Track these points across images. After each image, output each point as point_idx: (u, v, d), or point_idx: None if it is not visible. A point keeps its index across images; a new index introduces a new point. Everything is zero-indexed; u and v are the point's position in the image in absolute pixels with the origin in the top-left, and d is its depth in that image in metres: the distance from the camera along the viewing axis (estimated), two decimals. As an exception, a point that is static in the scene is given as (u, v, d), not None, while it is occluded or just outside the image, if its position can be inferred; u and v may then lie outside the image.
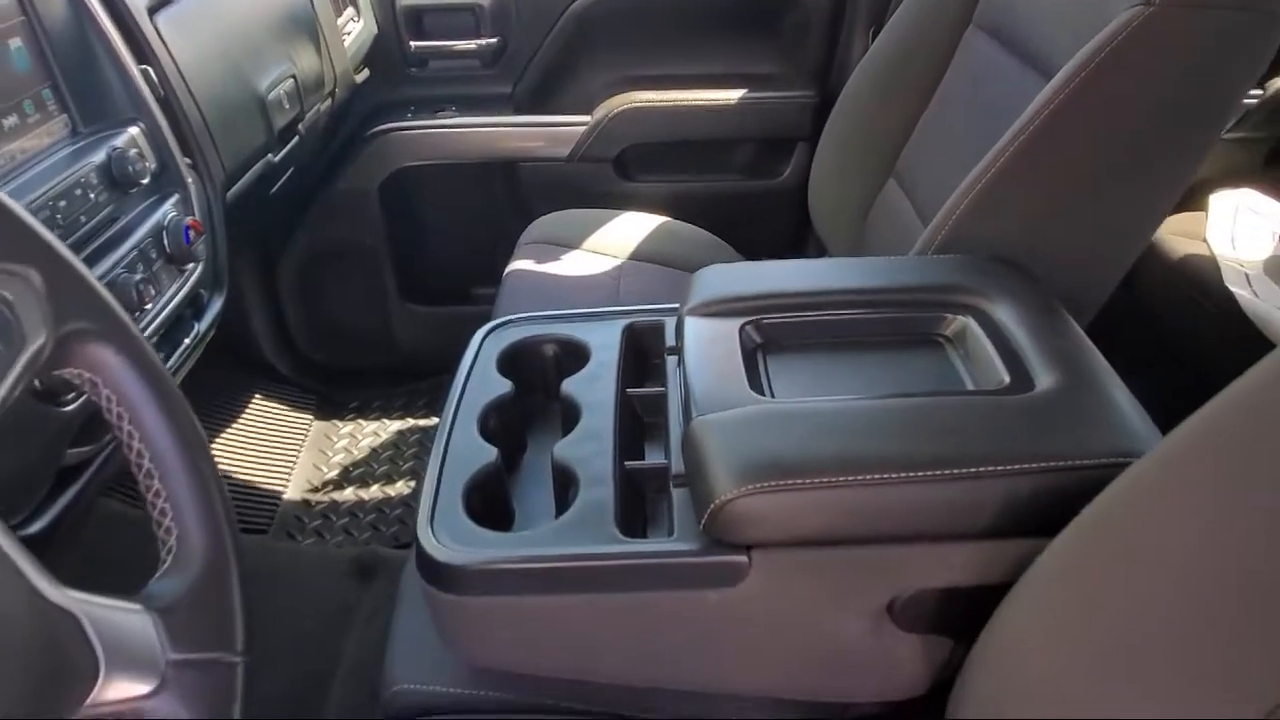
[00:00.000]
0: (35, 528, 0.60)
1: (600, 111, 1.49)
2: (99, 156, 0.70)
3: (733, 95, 1.47)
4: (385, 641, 0.72)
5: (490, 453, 0.67)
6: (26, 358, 0.35)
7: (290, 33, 1.12)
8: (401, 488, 1.40)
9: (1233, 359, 0.45)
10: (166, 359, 0.76)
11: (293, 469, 1.43)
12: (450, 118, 1.49)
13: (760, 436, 0.58)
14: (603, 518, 0.61)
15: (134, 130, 0.75)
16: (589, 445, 0.67)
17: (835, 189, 1.19)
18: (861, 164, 1.14)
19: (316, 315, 1.61)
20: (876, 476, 0.55)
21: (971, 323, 0.69)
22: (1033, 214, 0.78)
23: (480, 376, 0.76)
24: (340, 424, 1.55)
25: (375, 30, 1.44)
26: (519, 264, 1.21)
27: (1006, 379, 0.63)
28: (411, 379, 1.61)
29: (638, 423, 0.74)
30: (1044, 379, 0.62)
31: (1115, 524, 0.48)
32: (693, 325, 0.71)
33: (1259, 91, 1.29)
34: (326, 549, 1.27)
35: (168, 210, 0.77)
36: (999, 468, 0.55)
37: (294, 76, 1.11)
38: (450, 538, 0.60)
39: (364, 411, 1.57)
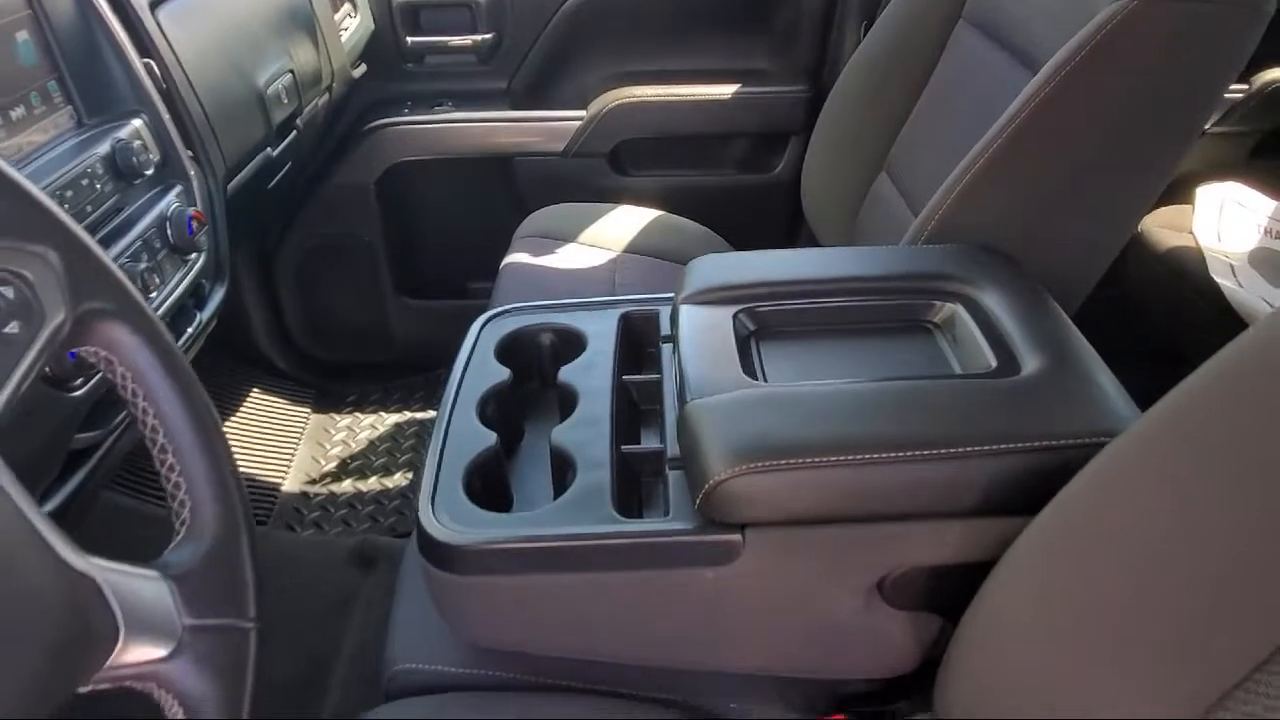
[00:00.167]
0: (44, 511, 0.61)
1: (595, 106, 1.50)
2: (104, 148, 0.72)
3: (726, 90, 1.48)
4: (386, 626, 0.73)
5: (489, 437, 0.69)
6: (46, 335, 0.36)
7: (288, 28, 1.13)
8: (399, 479, 1.42)
9: (1217, 348, 0.46)
10: (170, 348, 0.77)
11: (291, 462, 1.44)
12: (446, 113, 1.50)
13: (753, 419, 0.60)
14: (600, 499, 0.62)
15: (137, 122, 0.77)
16: (586, 430, 0.69)
17: (827, 182, 1.21)
18: (853, 157, 1.16)
19: (314, 309, 1.62)
20: (866, 456, 0.57)
21: (960, 309, 0.71)
22: (1019, 204, 0.80)
23: (479, 364, 0.77)
24: (338, 417, 1.56)
25: (372, 26, 1.45)
26: (515, 257, 1.23)
27: (993, 363, 0.65)
28: (408, 372, 1.62)
29: (634, 409, 0.75)
30: (1030, 363, 0.64)
31: (1093, 500, 0.49)
32: (687, 313, 0.73)
33: (1244, 86, 1.31)
34: (326, 539, 1.28)
35: (171, 201, 0.78)
36: (985, 448, 0.57)
37: (292, 71, 1.12)
38: (451, 518, 0.62)
39: (361, 405, 1.58)
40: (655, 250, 1.24)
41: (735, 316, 0.72)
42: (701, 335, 0.70)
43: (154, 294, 0.72)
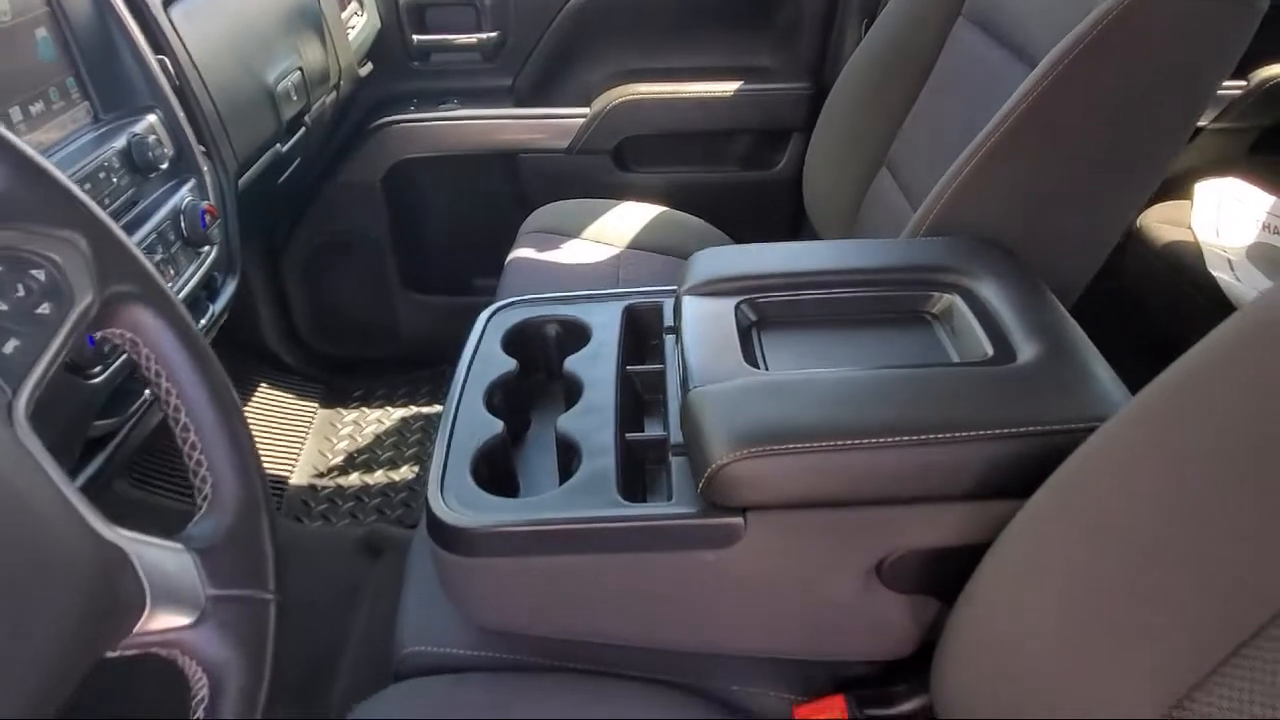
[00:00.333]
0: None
1: (599, 104, 1.51)
2: (120, 142, 0.73)
3: (728, 87, 1.50)
4: (394, 613, 0.75)
5: (496, 425, 0.70)
6: (75, 316, 0.38)
7: (297, 26, 1.15)
8: (406, 472, 1.43)
9: (1214, 342, 0.47)
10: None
11: (298, 456, 1.46)
12: (452, 110, 1.52)
13: (754, 405, 0.61)
14: (605, 484, 0.64)
15: (152, 118, 0.78)
16: (591, 418, 0.70)
17: (829, 178, 1.22)
18: (854, 154, 1.17)
19: (321, 305, 1.64)
20: (864, 441, 0.58)
21: (957, 300, 0.72)
22: (1017, 197, 0.81)
23: (485, 355, 0.79)
24: (345, 412, 1.57)
25: (379, 24, 1.47)
26: (520, 252, 1.24)
27: (990, 351, 0.66)
28: (414, 367, 1.64)
29: (637, 399, 0.77)
30: (1025, 351, 0.65)
31: (1082, 482, 0.50)
32: (690, 304, 0.74)
33: (1243, 82, 1.32)
34: (334, 530, 1.30)
35: (184, 195, 0.80)
36: (982, 432, 0.58)
37: (301, 69, 1.13)
38: (459, 503, 0.63)
39: (368, 399, 1.60)
40: (659, 246, 1.25)
41: (737, 307, 0.73)
42: (704, 325, 0.71)
43: (169, 285, 0.73)
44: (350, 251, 1.60)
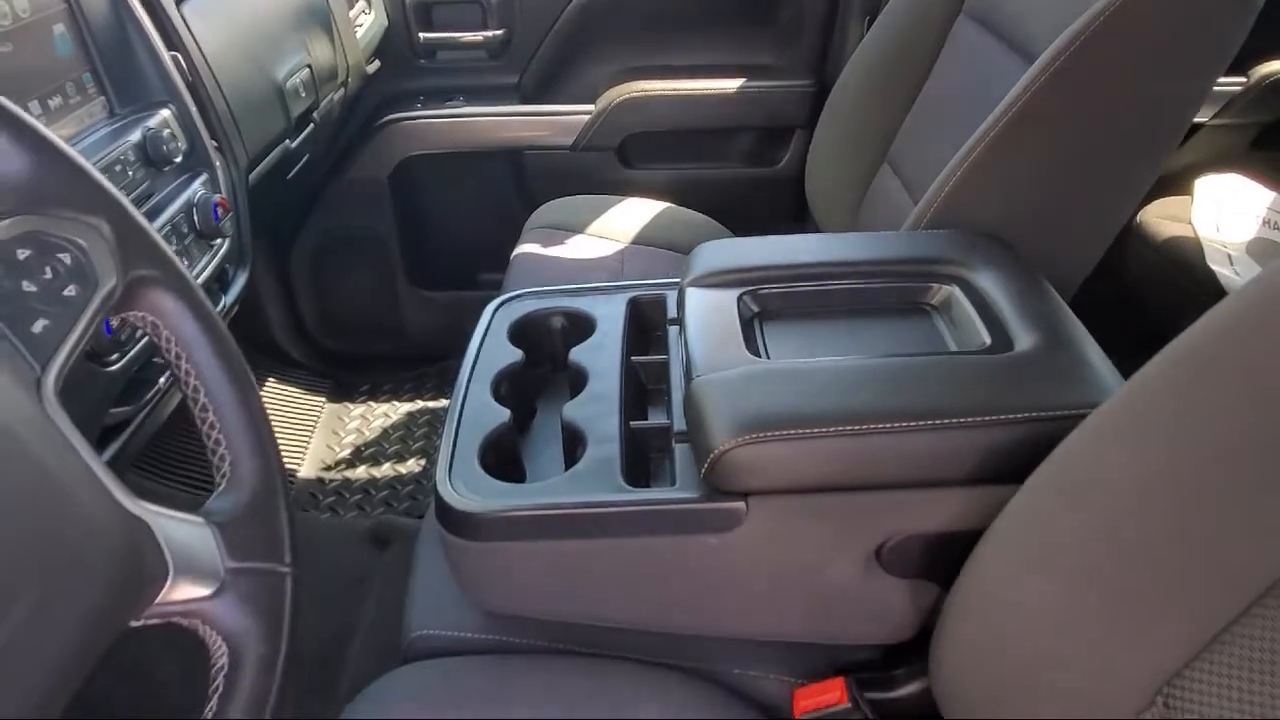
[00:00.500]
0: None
1: (603, 101, 1.53)
2: (135, 136, 0.75)
3: (732, 85, 1.51)
4: (403, 599, 0.76)
5: (503, 414, 0.72)
6: (100, 297, 0.39)
7: (306, 24, 1.16)
8: (412, 466, 1.45)
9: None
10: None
11: (306, 450, 1.48)
12: (458, 107, 1.53)
13: (756, 392, 0.62)
14: (610, 470, 0.65)
15: (166, 112, 0.80)
16: (596, 406, 0.71)
17: (831, 175, 1.23)
18: (856, 150, 1.18)
19: (328, 301, 1.66)
20: (864, 427, 0.59)
21: (956, 291, 0.74)
22: (1015, 191, 0.82)
23: (492, 346, 0.80)
24: (352, 406, 1.59)
25: (386, 23, 1.48)
26: (525, 248, 1.25)
27: (988, 341, 0.67)
28: (420, 362, 1.65)
29: (641, 389, 0.78)
30: (1023, 340, 0.66)
31: (1075, 465, 0.51)
32: (693, 296, 0.75)
33: (1243, 79, 1.33)
34: (342, 521, 1.32)
35: (197, 188, 0.81)
36: (978, 419, 0.59)
37: (309, 66, 1.15)
38: (467, 488, 0.64)
39: (375, 394, 1.61)
40: (662, 241, 1.26)
41: (739, 299, 0.74)
42: (707, 316, 0.72)
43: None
44: (357, 247, 1.61)
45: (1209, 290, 1.17)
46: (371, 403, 1.60)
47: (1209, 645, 0.43)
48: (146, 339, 0.70)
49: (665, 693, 0.66)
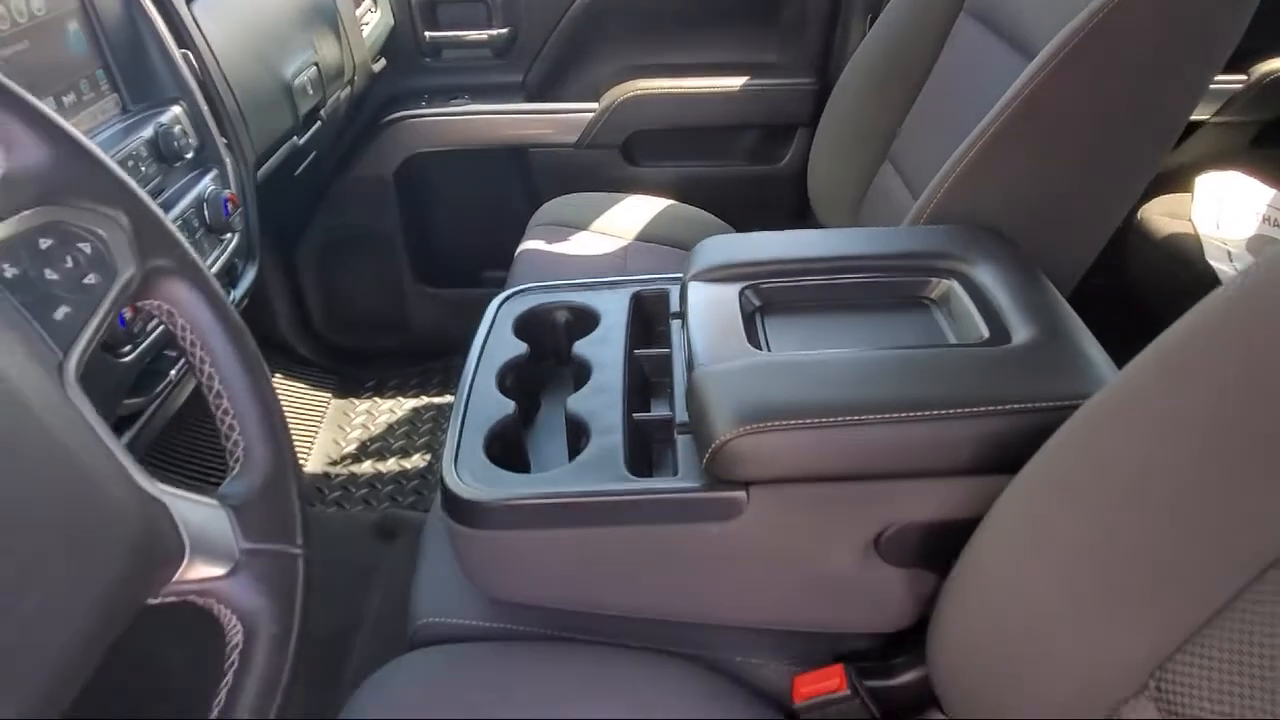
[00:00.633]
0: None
1: (607, 99, 1.54)
2: (147, 132, 0.76)
3: (735, 83, 1.52)
4: (409, 589, 0.77)
5: (508, 405, 0.73)
6: (119, 286, 0.41)
7: (313, 22, 1.17)
8: (417, 461, 1.46)
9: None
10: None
11: (312, 444, 1.49)
12: (463, 105, 1.55)
13: (757, 383, 0.63)
14: (613, 460, 0.66)
15: (177, 109, 0.81)
16: (600, 398, 0.72)
17: (833, 172, 1.24)
18: (858, 148, 1.19)
19: (334, 298, 1.67)
20: (863, 417, 0.60)
21: (955, 285, 0.75)
22: (1014, 187, 0.83)
23: (497, 340, 0.81)
24: (357, 402, 1.60)
25: (392, 21, 1.50)
26: (530, 244, 1.27)
27: (986, 334, 0.68)
28: (425, 359, 1.67)
29: (645, 382, 0.79)
30: (1020, 333, 0.67)
31: (1068, 454, 0.51)
32: (695, 290, 0.76)
33: (1244, 77, 1.33)
34: (349, 514, 1.33)
35: (207, 184, 0.82)
36: (975, 409, 0.60)
37: (316, 64, 1.16)
38: (473, 478, 0.66)
39: (380, 390, 1.63)
40: (666, 238, 1.27)
41: (741, 293, 0.75)
42: (709, 310, 0.73)
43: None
44: (363, 244, 1.63)
45: (1208, 286, 1.16)
46: (377, 398, 1.61)
47: (1201, 629, 0.44)
48: (158, 332, 0.72)
49: (666, 679, 0.67)
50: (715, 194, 1.48)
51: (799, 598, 0.67)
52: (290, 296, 1.64)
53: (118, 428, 0.70)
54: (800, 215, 1.58)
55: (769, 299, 0.76)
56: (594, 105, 1.54)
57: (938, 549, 0.63)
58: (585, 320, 0.83)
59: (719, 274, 0.78)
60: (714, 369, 0.65)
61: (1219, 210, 1.30)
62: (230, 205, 0.82)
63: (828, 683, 0.66)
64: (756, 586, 0.66)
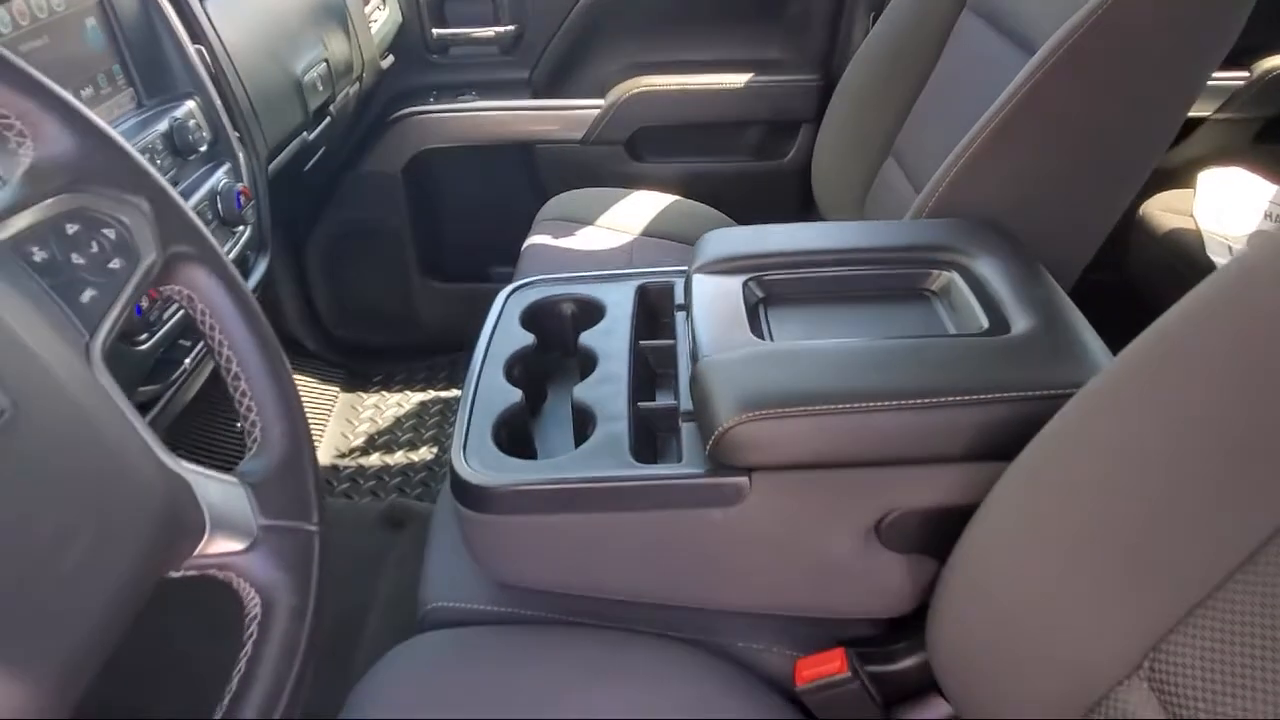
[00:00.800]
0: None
1: (613, 96, 1.55)
2: (162, 126, 0.78)
3: (739, 79, 1.53)
4: (418, 576, 0.79)
5: (516, 394, 0.74)
6: (142, 271, 0.42)
7: (323, 19, 1.19)
8: (425, 454, 1.48)
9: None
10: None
11: (321, 438, 1.50)
12: (470, 102, 1.56)
13: (760, 371, 0.64)
14: (619, 447, 0.67)
15: (191, 104, 0.83)
16: (605, 387, 0.74)
17: (837, 168, 1.25)
18: (862, 144, 1.20)
19: (342, 293, 1.69)
20: (864, 405, 0.61)
21: (956, 277, 0.76)
22: (1015, 181, 0.84)
23: (505, 331, 0.82)
24: (365, 396, 1.62)
25: (400, 19, 1.51)
26: (536, 239, 1.28)
27: (985, 324, 0.69)
28: (433, 353, 1.68)
29: (650, 372, 0.80)
30: (1019, 324, 0.68)
31: (1064, 440, 0.52)
32: (700, 282, 0.78)
33: (1246, 73, 1.34)
34: (357, 505, 1.35)
35: (220, 177, 0.84)
36: (974, 397, 0.61)
37: (326, 61, 1.18)
38: (481, 464, 0.67)
39: (388, 384, 1.64)
40: (670, 233, 1.28)
41: (745, 284, 0.76)
42: (713, 301, 0.75)
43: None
44: (371, 239, 1.64)
45: (1205, 277, 1.18)
46: (385, 392, 1.63)
47: (1193, 610, 0.45)
48: (173, 322, 0.73)
49: (670, 664, 0.68)
50: (720, 190, 1.49)
51: (801, 583, 0.68)
52: (299, 291, 1.66)
53: (134, 415, 0.72)
54: (804, 211, 1.59)
55: (772, 291, 0.77)
56: (600, 102, 1.55)
57: (938, 535, 0.64)
58: (591, 312, 0.84)
59: (723, 266, 0.79)
60: (718, 358, 0.66)
61: (1220, 205, 1.31)
62: (243, 198, 0.84)
63: (829, 665, 0.67)
64: (759, 571, 0.68)
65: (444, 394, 1.61)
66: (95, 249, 0.41)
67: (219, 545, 0.41)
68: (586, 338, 0.80)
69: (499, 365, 0.77)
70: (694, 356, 0.69)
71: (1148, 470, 0.47)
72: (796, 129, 1.56)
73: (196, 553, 0.41)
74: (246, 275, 0.91)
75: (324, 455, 1.46)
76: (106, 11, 0.79)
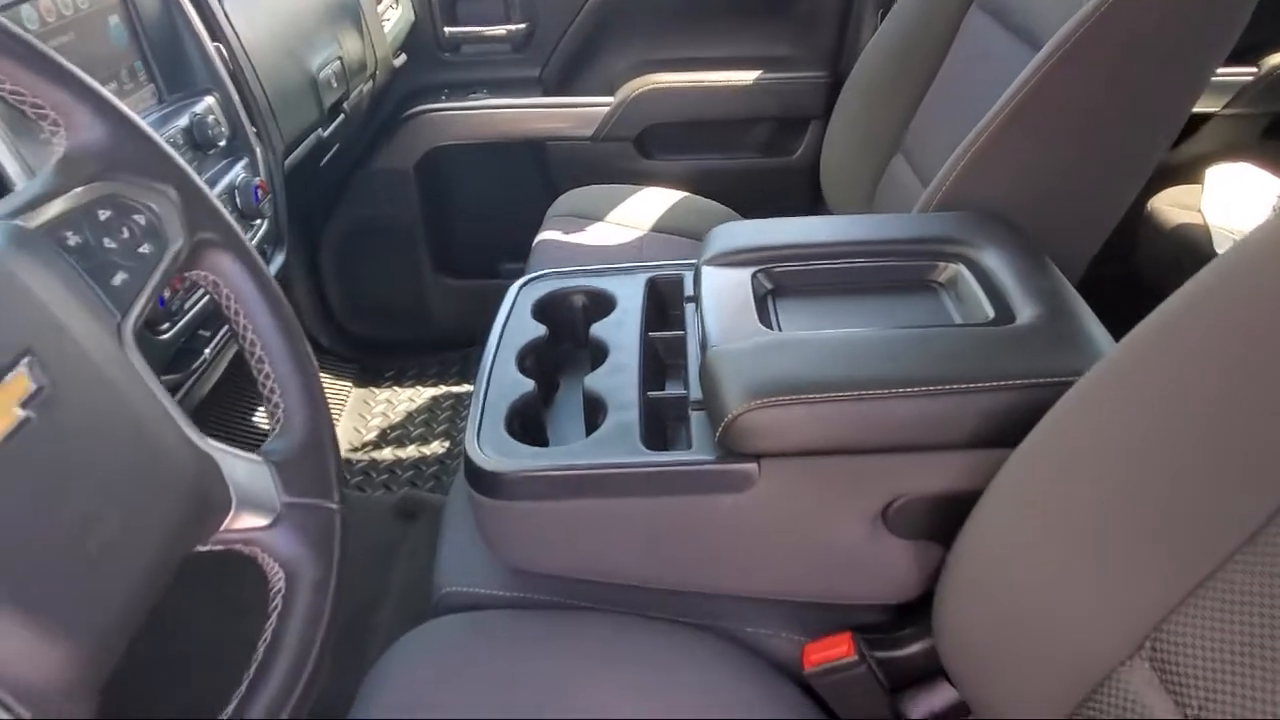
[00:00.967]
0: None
1: (623, 93, 1.56)
2: (183, 121, 0.80)
3: (748, 76, 1.54)
4: (431, 565, 0.80)
5: (528, 384, 0.75)
6: (170, 255, 0.44)
7: (337, 18, 1.21)
8: (436, 447, 1.49)
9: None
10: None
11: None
12: (482, 99, 1.58)
13: (769, 360, 0.65)
14: (629, 435, 0.68)
15: (210, 99, 0.85)
16: (616, 377, 0.75)
17: (846, 164, 1.26)
18: (870, 140, 1.21)
19: (355, 288, 1.70)
20: (871, 392, 0.62)
21: (962, 269, 0.76)
22: (1021, 175, 0.85)
23: (517, 323, 0.84)
24: (378, 390, 1.64)
25: (412, 17, 1.53)
26: (547, 235, 1.29)
27: (991, 314, 0.70)
28: (445, 348, 1.70)
29: (660, 362, 0.81)
30: (1024, 314, 0.69)
31: (1063, 427, 0.53)
32: (709, 274, 0.79)
33: (1254, 69, 1.34)
34: (370, 497, 1.36)
35: (239, 172, 0.86)
36: (980, 384, 0.62)
37: (340, 58, 1.19)
38: (494, 451, 0.68)
39: (400, 379, 1.66)
40: (680, 229, 1.29)
41: (754, 276, 0.77)
42: (722, 293, 0.76)
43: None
44: (384, 236, 1.66)
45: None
46: (397, 387, 1.64)
47: (1193, 592, 0.45)
48: (194, 311, 0.75)
49: (679, 648, 0.69)
50: (729, 186, 1.50)
51: (809, 568, 0.69)
52: (312, 286, 1.68)
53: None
54: (812, 206, 1.60)
55: (781, 282, 0.78)
56: (610, 99, 1.57)
57: (944, 522, 0.64)
58: (602, 304, 0.86)
59: (732, 259, 0.80)
60: (727, 348, 0.67)
61: (1228, 200, 1.31)
62: (260, 192, 0.85)
63: (837, 649, 0.67)
64: (768, 557, 0.69)
65: (455, 389, 1.63)
66: (126, 234, 0.42)
67: (244, 521, 0.43)
68: (597, 329, 0.81)
69: (512, 356, 0.78)
70: (703, 346, 0.70)
71: (1149, 453, 0.47)
72: (805, 125, 1.57)
73: (223, 528, 0.42)
74: (264, 268, 0.92)
75: (337, 449, 1.48)
76: (129, 9, 0.81)
